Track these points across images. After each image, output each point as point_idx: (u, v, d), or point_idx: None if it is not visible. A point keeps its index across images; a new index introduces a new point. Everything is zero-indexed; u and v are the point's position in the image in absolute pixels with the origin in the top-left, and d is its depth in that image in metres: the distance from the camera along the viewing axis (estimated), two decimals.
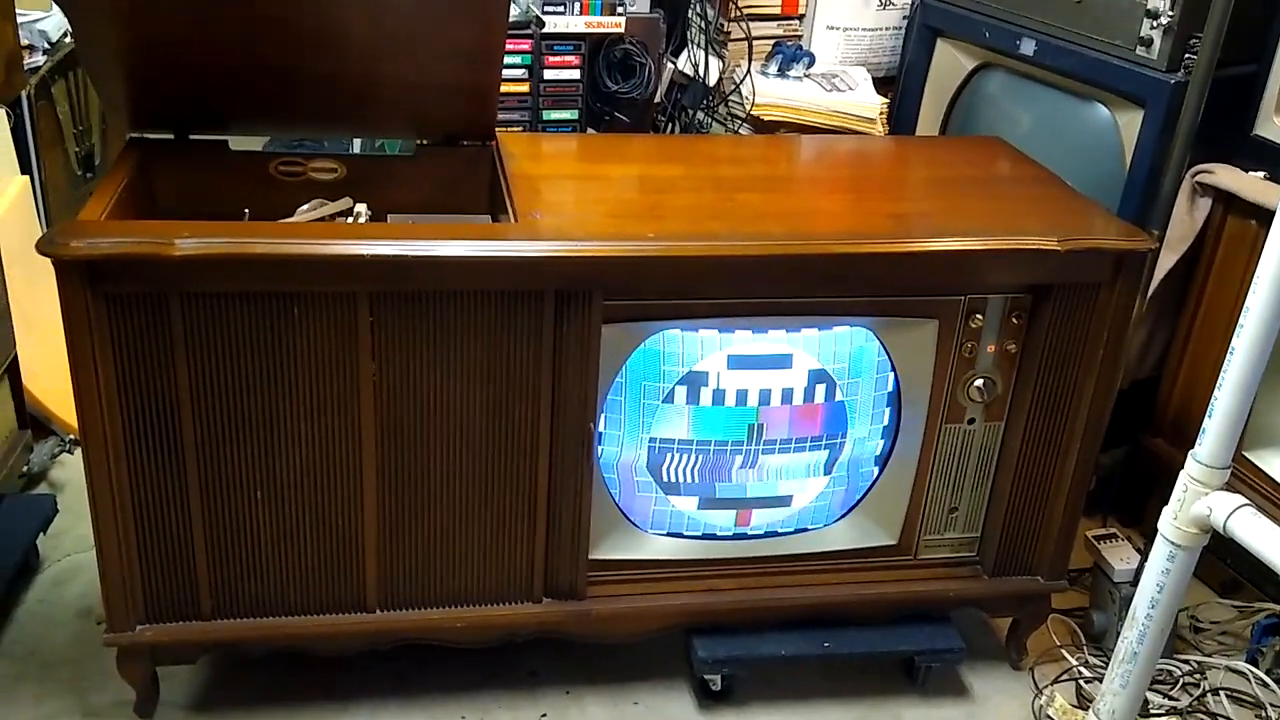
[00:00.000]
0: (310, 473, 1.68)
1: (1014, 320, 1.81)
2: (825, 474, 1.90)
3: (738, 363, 1.78)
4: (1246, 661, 2.06)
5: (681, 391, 1.78)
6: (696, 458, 1.84)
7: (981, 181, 2.04)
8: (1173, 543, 1.63)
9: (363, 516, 1.72)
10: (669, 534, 1.90)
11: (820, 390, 1.82)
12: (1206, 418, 1.59)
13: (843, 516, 1.94)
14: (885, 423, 1.89)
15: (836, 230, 1.81)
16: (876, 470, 1.92)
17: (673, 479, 1.85)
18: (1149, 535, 2.12)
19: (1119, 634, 1.76)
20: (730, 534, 1.92)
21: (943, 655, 1.98)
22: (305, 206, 1.83)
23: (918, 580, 1.97)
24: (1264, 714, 1.98)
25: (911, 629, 1.98)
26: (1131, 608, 1.72)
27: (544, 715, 1.92)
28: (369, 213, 1.85)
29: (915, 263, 1.73)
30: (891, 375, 1.85)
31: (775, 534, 1.93)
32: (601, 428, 1.78)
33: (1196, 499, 1.60)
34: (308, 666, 1.91)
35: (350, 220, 1.83)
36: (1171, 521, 1.63)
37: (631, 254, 1.65)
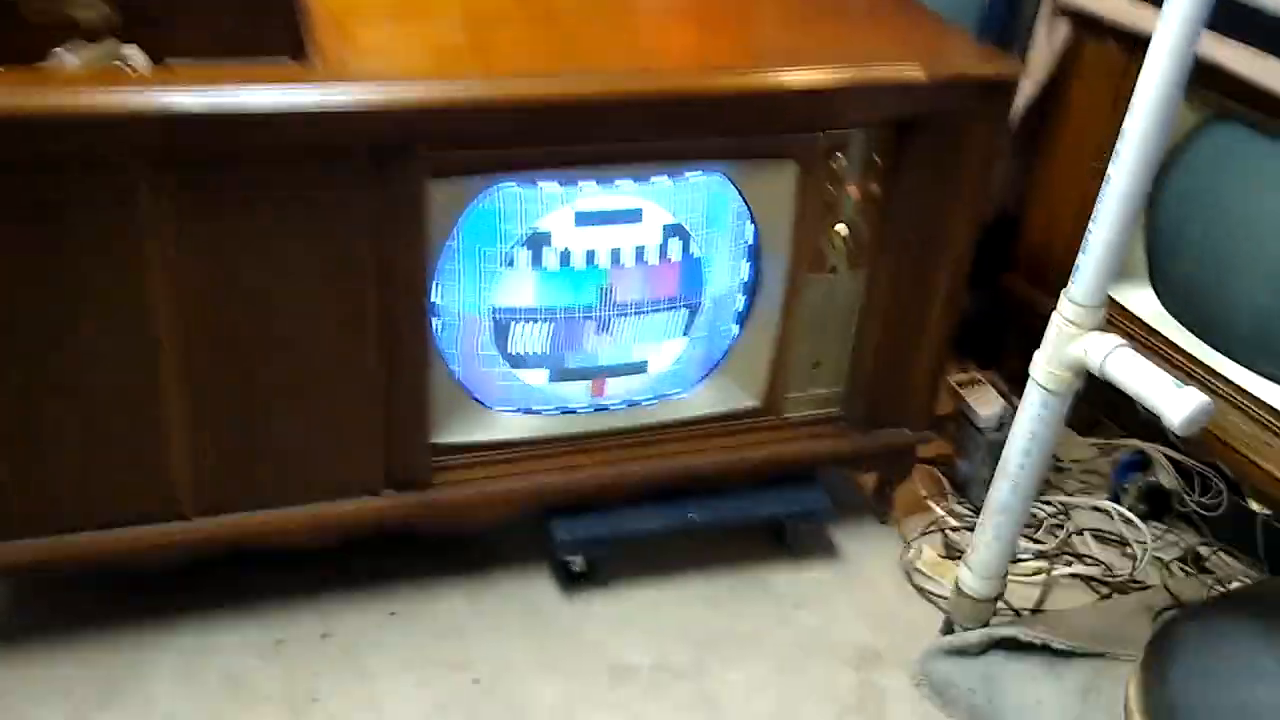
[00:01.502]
0: (101, 371, 1.46)
1: (876, 159, 1.68)
2: (683, 335, 1.76)
3: (585, 219, 1.61)
4: (1109, 499, 2.05)
5: (524, 255, 1.60)
6: (544, 326, 1.67)
7: (838, 11, 1.88)
8: (1046, 388, 1.55)
9: (167, 414, 1.51)
10: (519, 411, 1.74)
11: (675, 246, 1.67)
12: (1081, 254, 1.50)
13: (702, 379, 1.82)
14: (744, 277, 1.75)
15: (684, 65, 1.63)
16: (736, 329, 1.79)
17: (520, 351, 1.69)
18: (1010, 378, 2.08)
19: (987, 482, 1.70)
20: (585, 407, 1.77)
21: (810, 516, 1.90)
22: (62, 50, 1.55)
23: (783, 442, 1.86)
24: (1128, 551, 1.98)
25: (778, 493, 1.88)
26: (1003, 458, 1.65)
27: (393, 613, 1.78)
28: (146, 59, 1.58)
29: (769, 99, 1.57)
30: (750, 225, 1.71)
31: (633, 404, 1.79)
32: (437, 298, 1.60)
33: (1070, 341, 1.52)
34: (132, 583, 1.71)
35: (120, 67, 1.56)
36: (1045, 366, 1.55)
37: (455, 97, 1.44)
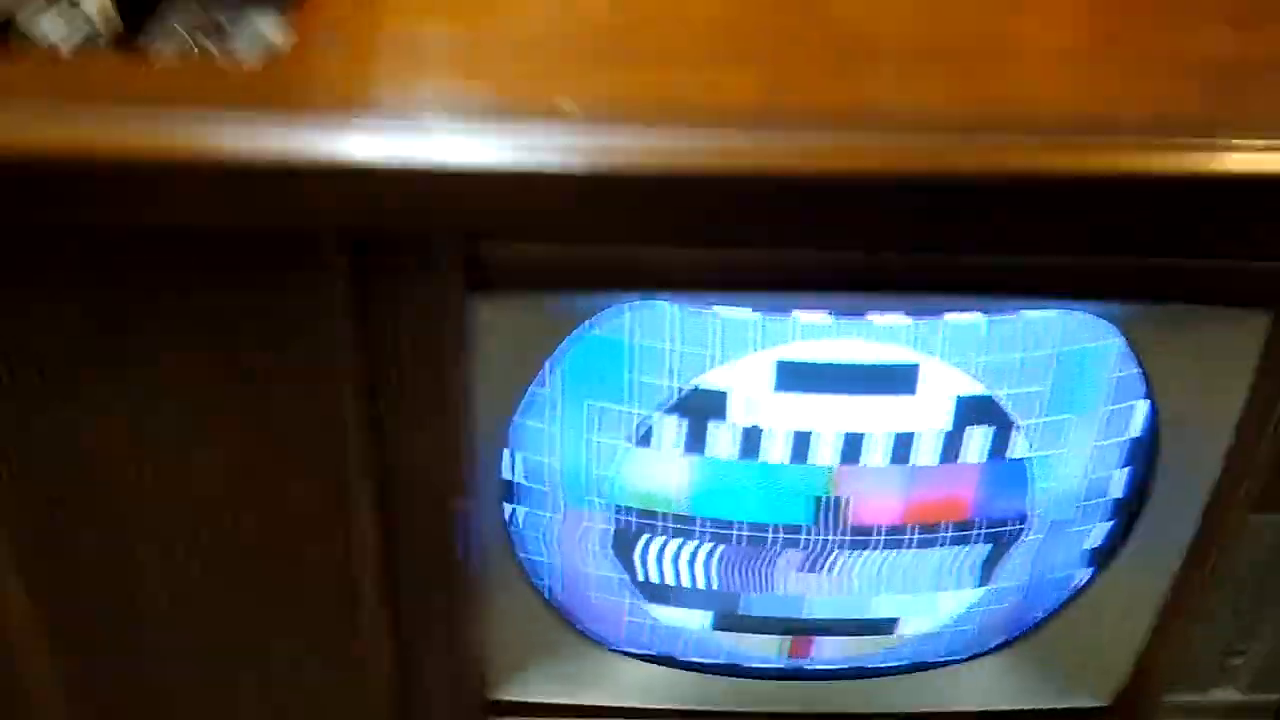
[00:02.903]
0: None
1: None
2: (976, 586, 0.94)
3: (796, 376, 0.82)
4: None
5: (671, 426, 0.84)
6: (701, 549, 0.91)
7: None
8: None
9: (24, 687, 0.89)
10: (654, 657, 1.00)
11: (977, 437, 0.85)
12: None
13: (999, 647, 1.00)
14: (1114, 494, 0.91)
15: (1066, 107, 0.76)
16: (1084, 575, 0.96)
17: (656, 580, 0.94)
18: None
19: None
20: (776, 666, 1.00)
21: None
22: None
23: None
24: None
25: None
26: None
27: None
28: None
29: (1229, 189, 0.70)
30: (1143, 409, 0.85)
31: (862, 672, 1.01)
32: (517, 474, 0.87)
33: None
34: None
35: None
36: None
37: (559, 171, 0.67)
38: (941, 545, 0.89)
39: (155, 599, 0.85)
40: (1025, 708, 1.00)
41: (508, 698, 0.98)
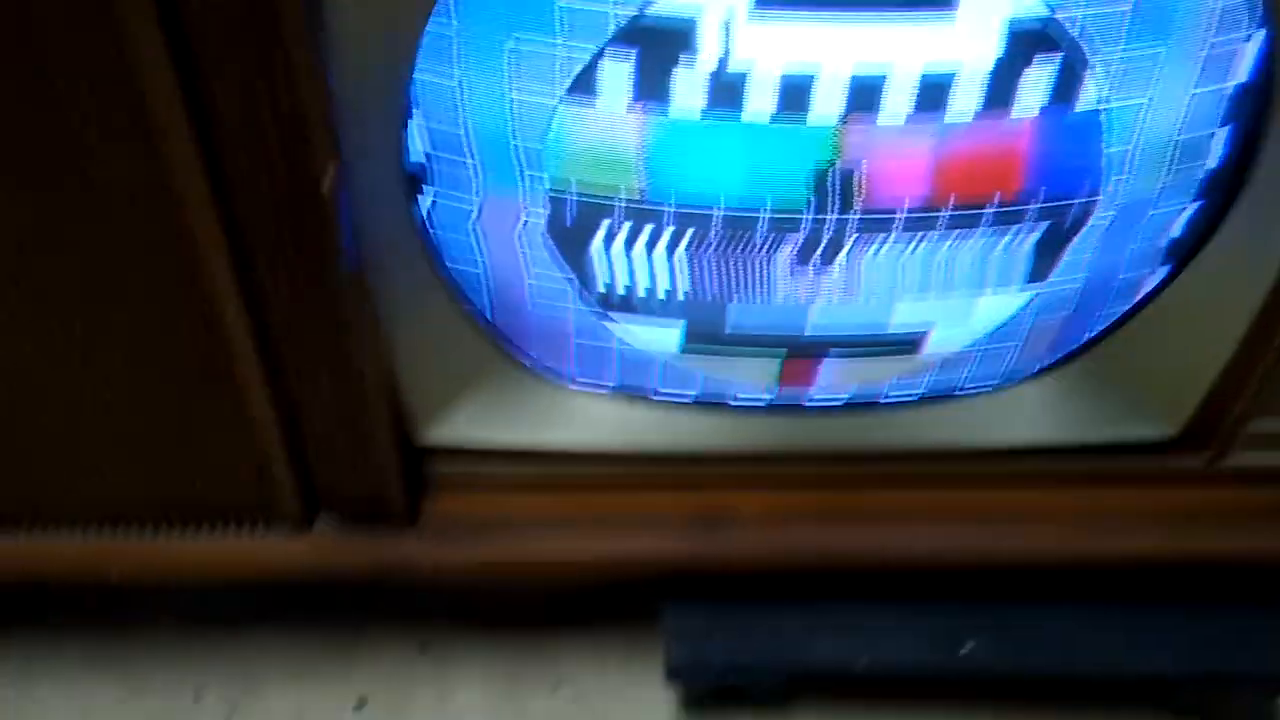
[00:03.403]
0: None
1: None
2: (1023, 285, 0.74)
3: None
4: None
5: (618, 68, 0.62)
6: (672, 235, 0.70)
7: None
8: None
9: None
10: (617, 390, 0.81)
11: (1035, 80, 0.62)
12: None
13: (1041, 371, 0.80)
14: (1209, 163, 0.69)
15: None
16: (1158, 275, 0.75)
17: (610, 281, 0.73)
18: None
19: None
20: (762, 401, 0.81)
21: (1256, 680, 0.89)
22: None
23: (1221, 517, 0.83)
24: None
25: (1182, 620, 0.88)
26: None
27: (363, 701, 0.97)
28: None
29: None
30: (1258, 41, 0.63)
31: (873, 404, 0.81)
32: (418, 145, 0.66)
33: None
34: None
35: None
36: None
37: None
38: (983, 229, 0.68)
39: None
40: (1074, 441, 0.81)
41: (438, 443, 0.80)
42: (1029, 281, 0.72)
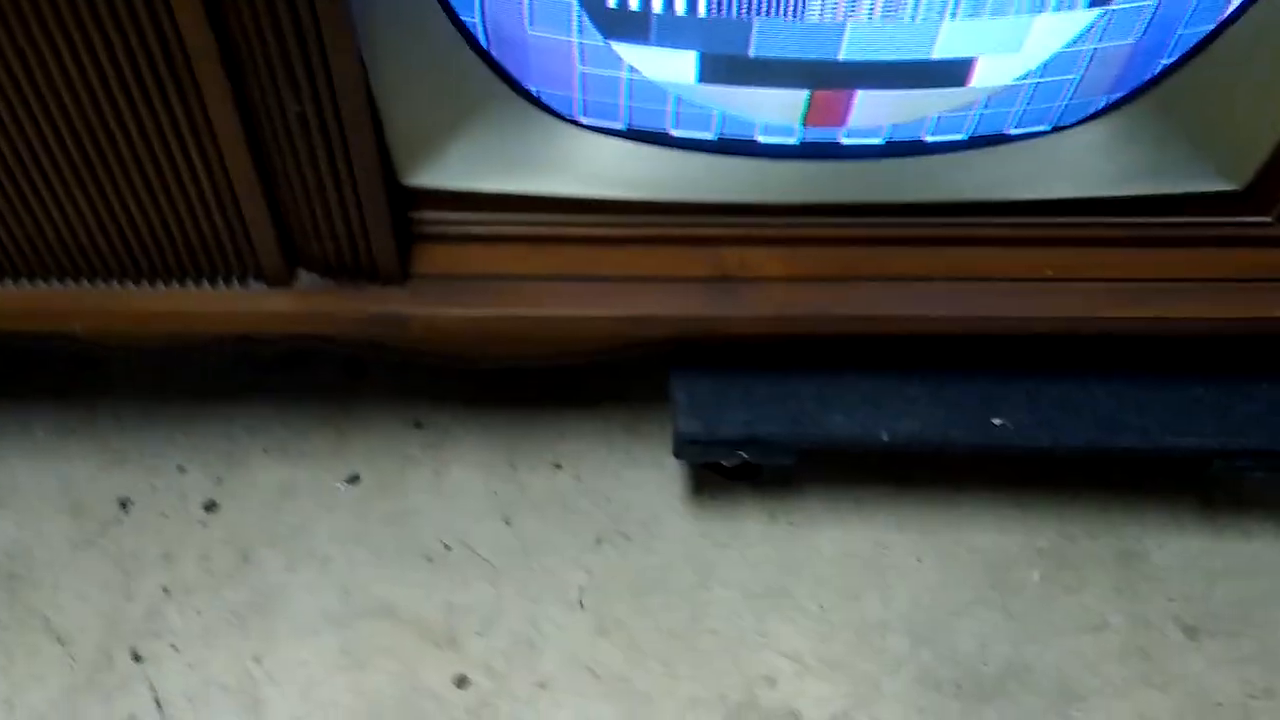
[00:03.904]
0: None
1: None
2: (1088, 6, 0.65)
3: None
4: None
5: None
6: None
7: None
8: None
9: None
10: (628, 130, 0.73)
11: None
12: None
13: (1100, 112, 0.72)
14: None
15: None
16: (1229, 5, 0.66)
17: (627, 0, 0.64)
18: None
19: None
20: (787, 142, 0.73)
21: None
22: None
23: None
24: None
25: (1221, 391, 0.82)
26: None
27: (355, 477, 0.92)
28: None
29: None
30: None
31: (911, 145, 0.73)
32: None
33: None
34: None
35: None
36: None
37: None
38: None
39: None
40: (1130, 194, 0.74)
41: (428, 187, 0.72)
42: (1089, 4, 0.63)
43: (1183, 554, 0.90)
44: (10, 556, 0.88)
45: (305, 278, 0.74)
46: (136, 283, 0.72)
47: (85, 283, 0.73)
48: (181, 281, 0.73)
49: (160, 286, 0.72)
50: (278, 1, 0.56)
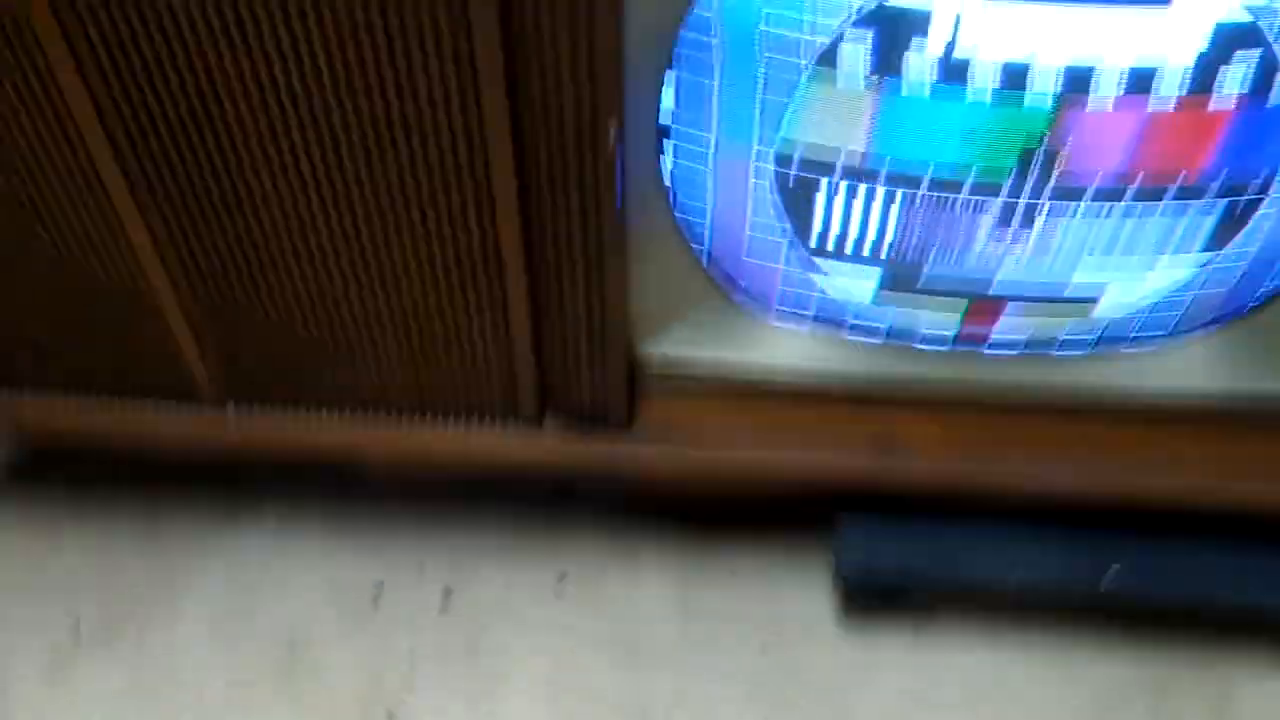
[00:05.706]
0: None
1: None
2: (1201, 252, 0.81)
3: None
4: None
5: (851, 54, 0.70)
6: (887, 195, 0.79)
7: None
8: None
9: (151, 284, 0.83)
10: (814, 321, 0.91)
11: (1234, 73, 0.69)
12: None
13: (1206, 328, 0.88)
14: None
15: None
16: None
17: (828, 229, 0.83)
18: None
19: None
20: (945, 344, 0.90)
21: None
22: None
23: None
24: None
25: None
26: None
27: (563, 575, 1.10)
28: None
29: None
30: None
31: (1044, 350, 0.90)
32: (668, 110, 0.76)
33: None
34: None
35: None
36: None
37: None
38: (1168, 203, 0.76)
39: (275, 229, 0.78)
40: (1236, 393, 0.89)
41: (653, 358, 0.91)
42: (1204, 251, 0.79)
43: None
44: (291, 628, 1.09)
45: (550, 422, 0.94)
46: (424, 420, 0.92)
47: (381, 418, 0.93)
48: (459, 421, 0.93)
49: (442, 424, 0.92)
50: (574, 238, 0.76)
